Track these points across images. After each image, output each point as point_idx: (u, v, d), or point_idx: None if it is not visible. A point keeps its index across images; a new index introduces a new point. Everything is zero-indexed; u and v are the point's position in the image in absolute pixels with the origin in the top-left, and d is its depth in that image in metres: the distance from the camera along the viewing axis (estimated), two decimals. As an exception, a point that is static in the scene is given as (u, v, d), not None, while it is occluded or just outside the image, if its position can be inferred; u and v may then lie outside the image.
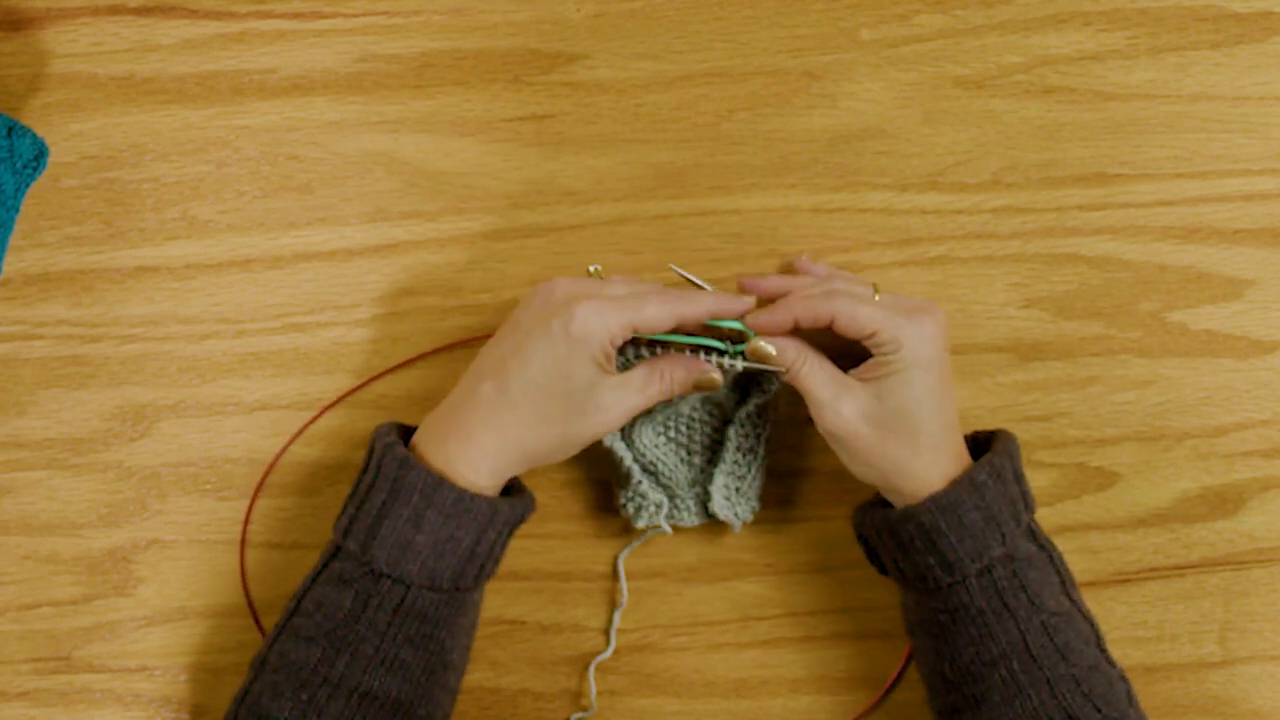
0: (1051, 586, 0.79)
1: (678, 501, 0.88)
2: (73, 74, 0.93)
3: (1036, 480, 0.91)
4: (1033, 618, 0.78)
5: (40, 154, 0.89)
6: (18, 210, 0.89)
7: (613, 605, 0.90)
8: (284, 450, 0.91)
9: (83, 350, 0.91)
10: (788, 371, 0.81)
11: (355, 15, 0.94)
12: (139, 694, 0.90)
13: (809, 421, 0.88)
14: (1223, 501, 0.91)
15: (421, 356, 0.91)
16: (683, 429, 0.88)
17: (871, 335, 0.79)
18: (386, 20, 0.94)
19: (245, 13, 0.93)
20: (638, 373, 0.82)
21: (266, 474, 0.91)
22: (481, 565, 0.80)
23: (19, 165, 0.88)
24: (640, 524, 0.87)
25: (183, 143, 0.93)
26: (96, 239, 0.92)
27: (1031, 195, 0.93)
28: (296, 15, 0.94)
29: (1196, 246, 0.92)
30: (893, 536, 0.80)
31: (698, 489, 0.88)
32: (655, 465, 0.87)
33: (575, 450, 0.82)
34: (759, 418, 0.87)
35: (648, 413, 0.86)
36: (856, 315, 0.79)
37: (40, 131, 0.91)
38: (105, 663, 0.90)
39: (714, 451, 0.88)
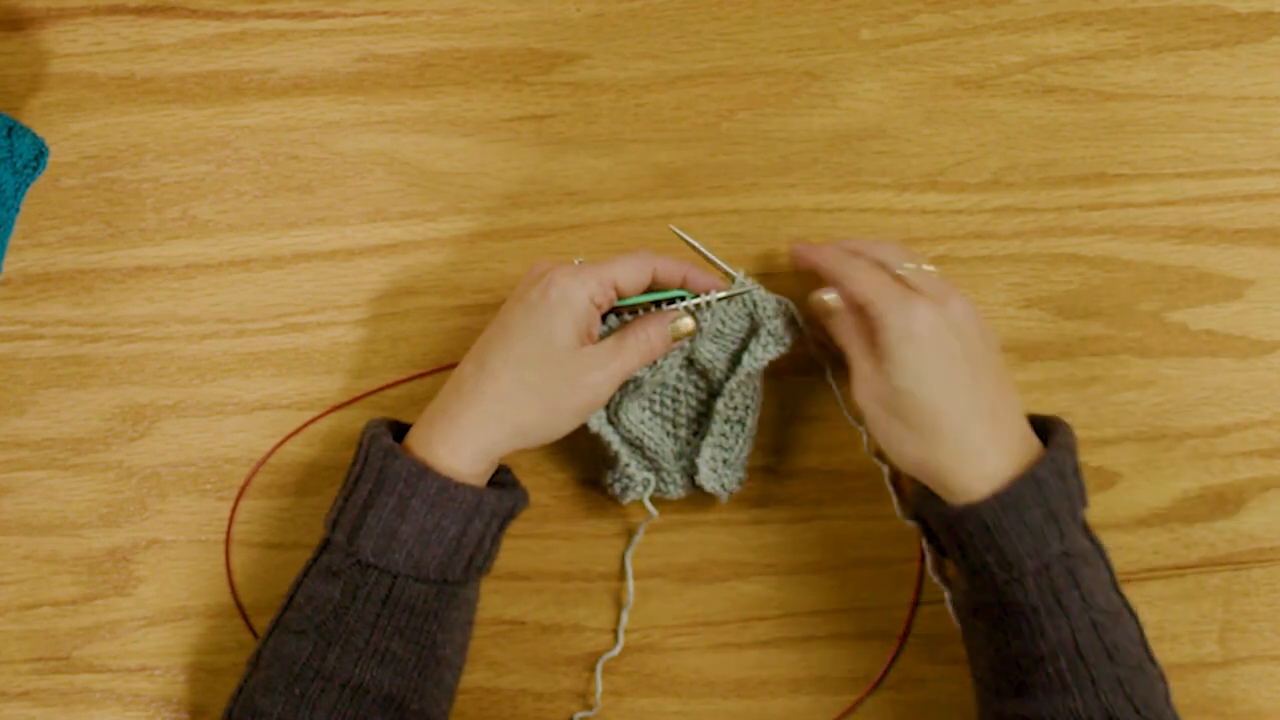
0: (1102, 583, 0.79)
1: (664, 475, 0.88)
2: (73, 74, 0.93)
3: (1036, 480, 0.91)
4: (1084, 615, 0.77)
5: (40, 154, 0.89)
6: (18, 210, 0.89)
7: (618, 603, 0.90)
8: (273, 451, 0.91)
9: (83, 350, 0.91)
10: (832, 332, 0.82)
11: (355, 15, 0.94)
12: (139, 694, 0.90)
13: (809, 420, 0.88)
14: (1223, 501, 0.91)
15: (434, 371, 0.91)
16: (668, 401, 0.88)
17: (864, 308, 0.79)
18: (386, 20, 0.94)
19: (245, 13, 0.93)
20: (610, 339, 0.82)
21: (253, 473, 0.91)
22: (470, 557, 0.80)
23: (19, 165, 0.88)
24: (626, 501, 0.88)
25: (183, 143, 0.93)
26: (96, 239, 0.92)
27: (1031, 195, 0.93)
28: (296, 15, 0.94)
29: (1196, 246, 0.92)
30: (951, 532, 0.79)
31: (684, 462, 0.88)
32: (641, 440, 0.87)
33: (563, 426, 0.82)
34: (747, 388, 0.87)
35: (635, 387, 0.86)
36: (854, 283, 0.80)
37: (40, 131, 0.91)
38: (105, 663, 0.90)
39: (700, 424, 0.88)
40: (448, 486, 0.78)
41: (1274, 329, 0.92)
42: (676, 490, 0.88)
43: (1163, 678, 0.79)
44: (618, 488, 0.87)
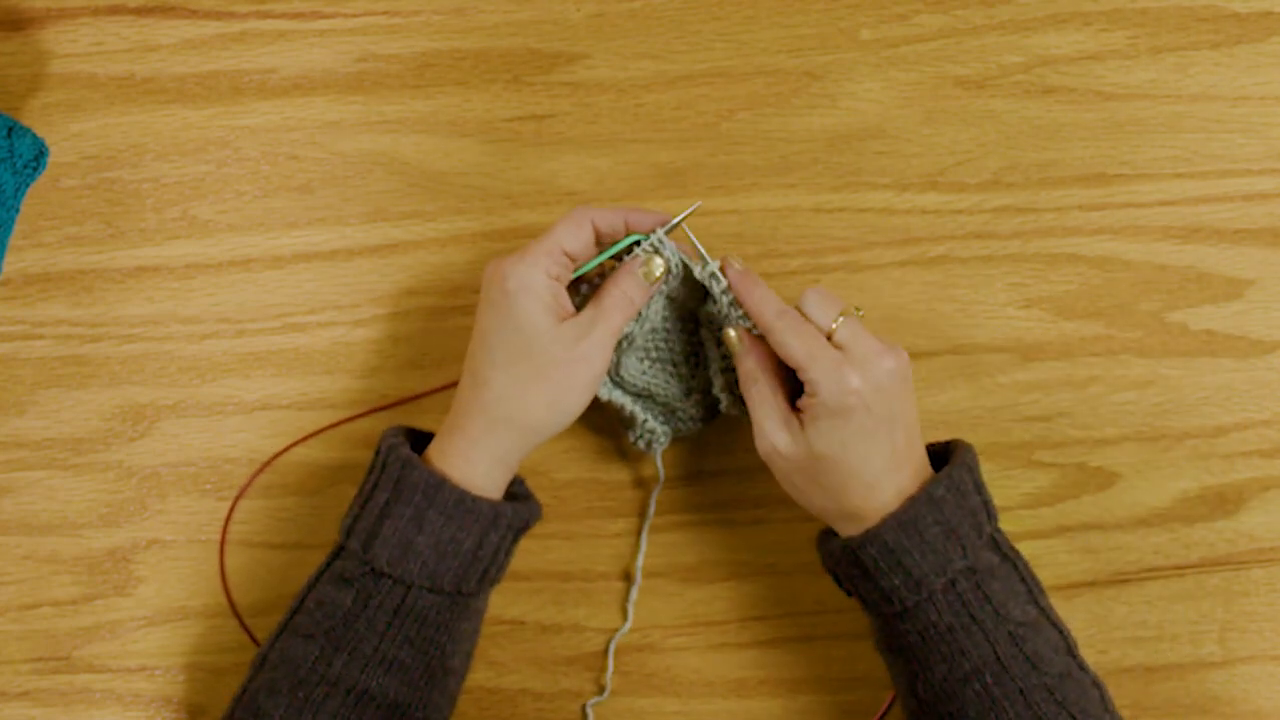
0: (1017, 596, 0.79)
1: (679, 414, 0.88)
2: (73, 74, 0.93)
3: (1036, 480, 0.91)
4: (1000, 629, 0.77)
5: (40, 154, 0.89)
6: (18, 210, 0.89)
7: (618, 603, 0.90)
8: (276, 457, 0.91)
9: (83, 350, 0.91)
10: (739, 373, 0.82)
11: (355, 15, 0.94)
12: (139, 694, 0.90)
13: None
14: (1223, 501, 0.91)
15: (427, 394, 0.91)
16: (661, 345, 0.87)
17: (798, 371, 0.79)
18: (386, 20, 0.94)
19: (245, 13, 0.94)
20: (588, 306, 0.81)
21: (254, 477, 0.91)
22: (485, 570, 0.80)
23: (19, 165, 0.88)
24: (653, 451, 0.87)
25: (183, 143, 0.93)
26: (96, 239, 0.92)
27: (1031, 195, 0.93)
28: (296, 15, 0.94)
29: (1196, 246, 0.92)
30: (855, 563, 0.79)
31: (695, 395, 0.88)
32: (650, 389, 0.87)
33: (573, 409, 0.81)
34: (728, 308, 0.84)
35: (629, 344, 0.85)
36: (787, 345, 0.79)
37: (40, 131, 0.91)
38: (105, 663, 0.90)
39: (695, 354, 0.88)
40: (464, 499, 0.78)
41: (1274, 329, 0.92)
42: (694, 426, 0.88)
43: (1097, 683, 0.79)
44: (642, 444, 0.87)
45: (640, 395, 0.87)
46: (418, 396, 0.91)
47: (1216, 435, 0.91)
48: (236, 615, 0.90)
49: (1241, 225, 0.93)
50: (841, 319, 0.79)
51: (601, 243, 0.83)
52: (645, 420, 0.87)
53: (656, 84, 0.93)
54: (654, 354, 0.87)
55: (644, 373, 0.87)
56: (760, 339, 0.82)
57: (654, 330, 0.87)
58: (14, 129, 0.88)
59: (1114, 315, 0.92)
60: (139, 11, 0.93)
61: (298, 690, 0.77)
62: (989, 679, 0.77)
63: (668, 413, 0.88)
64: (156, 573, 0.90)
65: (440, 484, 0.78)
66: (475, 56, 0.94)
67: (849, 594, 0.83)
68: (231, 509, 0.90)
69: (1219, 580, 0.91)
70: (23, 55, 0.93)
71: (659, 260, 0.83)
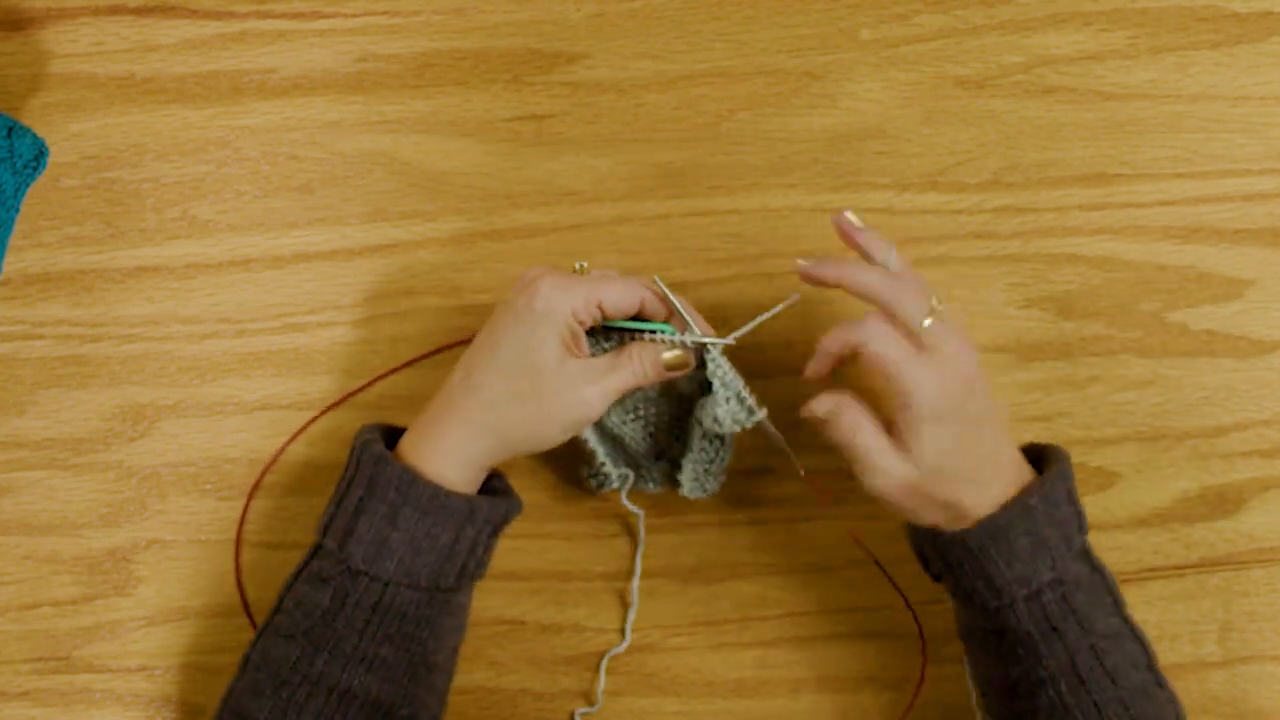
0: (1103, 608, 0.78)
1: (642, 471, 0.88)
2: (73, 74, 0.93)
3: (1036, 480, 0.91)
4: (1081, 641, 0.76)
5: (40, 154, 0.89)
6: (18, 210, 0.89)
7: (618, 603, 0.90)
8: (282, 450, 0.91)
9: (83, 350, 0.91)
10: (836, 434, 0.79)
11: (355, 15, 0.94)
12: (139, 694, 0.90)
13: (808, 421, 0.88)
14: (1223, 501, 0.91)
15: (426, 355, 0.91)
16: (650, 410, 0.87)
17: (888, 379, 0.76)
18: (386, 20, 0.94)
19: (245, 13, 0.94)
20: (607, 356, 0.81)
21: (264, 474, 0.91)
22: (463, 565, 0.79)
23: (19, 165, 0.88)
24: (602, 493, 0.88)
25: (183, 143, 0.93)
26: (96, 239, 0.92)
27: (1031, 195, 0.93)
28: (296, 15, 0.94)
29: (1196, 246, 0.93)
30: (942, 557, 0.79)
31: (663, 462, 0.88)
32: (622, 438, 0.87)
33: (555, 437, 0.81)
34: (720, 391, 0.84)
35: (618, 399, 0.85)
36: (884, 354, 0.76)
37: (40, 131, 0.91)
38: (105, 663, 0.90)
39: (679, 427, 0.87)
40: (439, 494, 0.78)
41: (1274, 329, 0.92)
42: (655, 486, 0.88)
43: (1173, 701, 0.79)
44: (594, 483, 0.87)
45: (610, 438, 0.87)
46: (400, 368, 0.91)
47: (1216, 435, 0.91)
48: (249, 615, 0.90)
49: (1241, 225, 0.93)
50: (929, 321, 0.76)
51: (639, 315, 0.83)
52: (603, 464, 0.86)
53: (656, 84, 0.93)
54: (640, 412, 0.87)
55: (623, 423, 0.87)
56: (844, 397, 0.79)
57: (647, 397, 0.86)
58: (14, 129, 0.88)
59: (1114, 315, 0.92)
60: (139, 11, 0.94)
61: (280, 690, 0.77)
62: (1064, 687, 0.76)
63: (631, 464, 0.88)
64: (156, 573, 0.90)
65: (413, 480, 0.78)
66: (475, 56, 0.94)
67: (935, 579, 0.82)
68: (245, 508, 0.90)
69: (1219, 580, 0.91)
70: (23, 55, 0.93)
71: (683, 356, 0.82)
